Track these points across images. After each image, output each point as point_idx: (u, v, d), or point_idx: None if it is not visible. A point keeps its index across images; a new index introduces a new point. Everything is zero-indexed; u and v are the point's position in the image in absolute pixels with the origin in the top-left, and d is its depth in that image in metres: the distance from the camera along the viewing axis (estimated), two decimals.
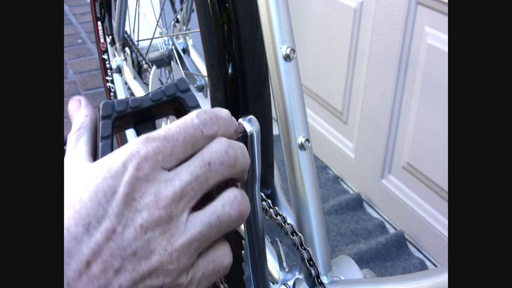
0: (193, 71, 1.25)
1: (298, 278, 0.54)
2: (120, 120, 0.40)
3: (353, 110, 1.60)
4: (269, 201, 0.56)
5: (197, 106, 0.42)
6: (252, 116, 0.42)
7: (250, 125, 0.42)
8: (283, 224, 0.54)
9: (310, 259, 0.52)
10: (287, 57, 0.50)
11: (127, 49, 1.11)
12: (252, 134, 0.42)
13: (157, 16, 1.22)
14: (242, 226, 0.50)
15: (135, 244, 0.31)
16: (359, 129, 1.59)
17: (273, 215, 0.55)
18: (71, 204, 0.31)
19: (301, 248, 0.52)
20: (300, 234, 0.52)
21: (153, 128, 0.42)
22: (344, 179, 1.72)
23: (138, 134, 0.41)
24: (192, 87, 1.26)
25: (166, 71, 1.33)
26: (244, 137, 0.42)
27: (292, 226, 0.53)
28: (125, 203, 0.31)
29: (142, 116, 0.42)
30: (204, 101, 1.30)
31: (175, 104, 0.42)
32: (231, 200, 0.35)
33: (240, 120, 0.42)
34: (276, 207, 0.55)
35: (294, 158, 0.53)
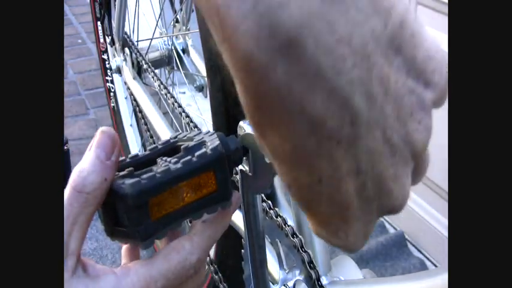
0: (192, 71, 1.25)
1: (298, 280, 0.54)
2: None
3: None
4: (269, 202, 0.56)
5: (191, 134, 0.40)
6: None
7: (251, 127, 0.42)
8: (283, 226, 0.54)
9: (310, 262, 0.52)
10: None
11: (126, 49, 1.11)
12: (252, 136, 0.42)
13: (157, 16, 1.21)
14: (242, 226, 0.50)
15: None
16: None
17: (273, 217, 0.55)
18: None
19: (302, 250, 0.52)
20: (300, 237, 0.52)
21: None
22: None
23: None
24: (191, 87, 1.26)
25: (166, 71, 1.33)
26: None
27: (292, 228, 0.53)
28: None
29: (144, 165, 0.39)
30: (204, 101, 1.30)
31: (175, 149, 0.40)
32: None
33: (241, 123, 0.42)
34: (276, 209, 0.55)
35: None
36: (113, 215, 0.36)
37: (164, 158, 0.37)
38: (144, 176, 0.34)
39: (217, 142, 0.37)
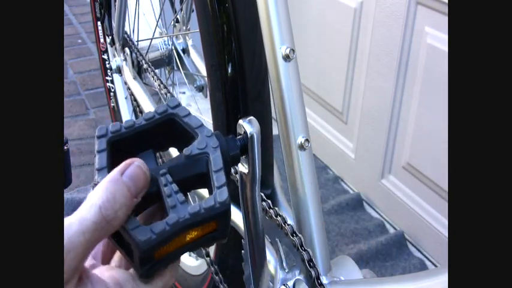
0: (193, 71, 1.25)
1: (298, 279, 0.54)
2: (117, 145, 0.39)
3: (353, 110, 1.60)
4: (269, 201, 0.56)
5: (189, 114, 0.41)
6: (251, 117, 0.42)
7: (250, 126, 0.42)
8: (283, 225, 0.54)
9: (310, 260, 0.52)
10: (286, 58, 0.50)
11: (127, 49, 1.11)
12: (252, 136, 0.42)
13: (157, 16, 1.21)
14: (242, 226, 0.50)
15: None
16: (359, 129, 1.59)
17: (273, 216, 0.55)
18: None
19: (301, 249, 0.52)
20: (300, 235, 0.52)
21: (153, 157, 0.40)
22: (344, 179, 1.72)
23: None
24: (191, 87, 1.26)
25: (166, 71, 1.33)
26: (244, 139, 0.42)
27: (292, 227, 0.53)
28: None
29: (140, 141, 0.40)
30: (204, 101, 1.30)
31: (171, 125, 0.41)
32: None
33: (240, 121, 0.42)
34: (276, 208, 0.55)
35: (293, 158, 0.53)
36: (122, 241, 0.36)
37: (170, 187, 0.37)
38: (155, 229, 0.35)
39: (225, 194, 0.37)
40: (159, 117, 0.40)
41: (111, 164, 0.37)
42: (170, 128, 0.41)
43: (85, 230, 0.33)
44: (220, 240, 0.39)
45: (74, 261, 0.32)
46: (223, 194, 0.37)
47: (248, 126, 0.41)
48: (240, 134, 0.42)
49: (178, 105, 0.41)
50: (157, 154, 0.42)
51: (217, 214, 0.36)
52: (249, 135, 0.41)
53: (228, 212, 0.37)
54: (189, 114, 0.41)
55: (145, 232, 0.34)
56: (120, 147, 0.39)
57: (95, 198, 0.34)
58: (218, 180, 0.37)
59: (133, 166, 0.36)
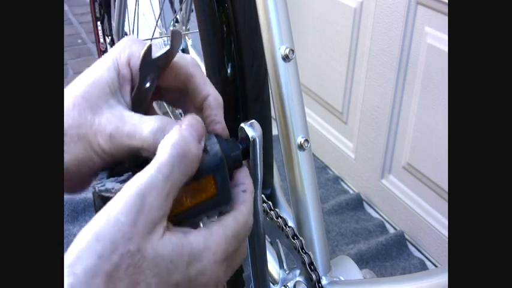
0: None
1: (298, 281, 0.54)
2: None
3: (353, 110, 1.60)
4: (270, 203, 0.56)
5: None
6: (253, 121, 0.41)
7: (252, 130, 0.41)
8: (284, 227, 0.53)
9: (311, 263, 0.52)
10: (286, 58, 0.50)
11: None
12: (254, 140, 0.41)
13: (157, 16, 1.22)
14: None
15: None
16: (359, 129, 1.59)
17: (274, 217, 0.55)
18: None
19: (302, 252, 0.52)
20: (301, 238, 0.52)
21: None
22: (344, 179, 1.72)
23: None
24: None
25: None
26: (246, 143, 0.41)
27: (293, 229, 0.53)
28: None
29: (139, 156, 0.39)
30: None
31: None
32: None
33: (242, 125, 0.41)
34: (277, 209, 0.55)
35: (293, 159, 0.53)
36: None
37: None
38: None
39: (217, 147, 0.37)
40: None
41: (110, 171, 0.37)
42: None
43: (161, 167, 0.32)
44: (223, 207, 0.38)
45: (158, 199, 0.31)
46: (214, 148, 0.37)
47: (250, 130, 0.41)
48: (242, 138, 0.41)
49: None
50: None
51: (210, 167, 0.36)
52: (251, 139, 0.41)
53: (221, 166, 0.37)
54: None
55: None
56: (119, 164, 0.39)
57: (165, 142, 0.33)
58: (211, 147, 0.37)
59: (188, 117, 0.36)
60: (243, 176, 0.39)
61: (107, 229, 0.30)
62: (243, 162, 0.41)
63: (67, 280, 0.29)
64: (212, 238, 0.34)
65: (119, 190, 0.33)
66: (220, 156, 0.36)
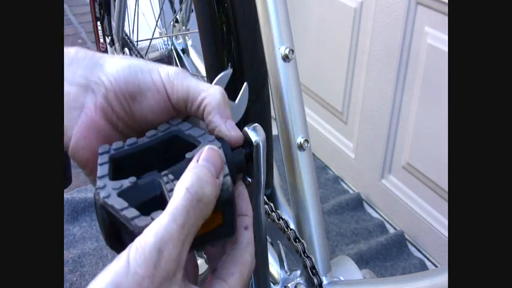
0: (192, 71, 1.25)
1: (299, 283, 0.54)
2: (120, 162, 0.38)
3: (353, 110, 1.60)
4: (271, 204, 0.56)
5: (191, 128, 0.40)
6: (256, 124, 0.41)
7: (255, 134, 0.40)
8: (285, 229, 0.53)
9: (312, 267, 0.52)
10: (286, 58, 0.50)
11: (126, 49, 1.11)
12: (258, 144, 0.40)
13: (157, 16, 1.22)
14: None
15: None
16: (359, 129, 1.59)
17: (275, 219, 0.55)
18: None
19: (304, 255, 0.52)
20: (302, 241, 0.52)
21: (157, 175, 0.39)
22: (344, 179, 1.72)
23: (140, 188, 0.37)
24: None
25: None
26: (249, 147, 0.41)
27: (294, 232, 0.53)
28: None
29: (143, 159, 0.39)
30: None
31: (174, 141, 0.40)
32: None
33: (245, 128, 0.41)
34: (278, 211, 0.55)
35: (293, 159, 0.53)
36: (117, 234, 0.35)
37: (172, 184, 0.36)
38: (155, 216, 0.34)
39: (228, 180, 0.36)
40: (161, 135, 0.40)
41: (113, 177, 0.37)
42: (173, 144, 0.40)
43: (176, 215, 0.32)
44: (228, 235, 0.37)
45: (174, 251, 0.31)
46: (225, 182, 0.36)
47: (253, 134, 0.40)
48: (244, 142, 0.41)
49: (181, 121, 0.41)
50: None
51: (220, 204, 0.35)
52: (254, 143, 0.40)
53: (231, 201, 0.36)
54: (192, 127, 0.40)
55: (144, 224, 0.33)
56: (123, 164, 0.38)
57: (180, 185, 0.33)
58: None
59: (206, 150, 0.36)
60: (244, 205, 0.39)
61: (126, 282, 0.30)
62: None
63: None
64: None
65: (124, 217, 0.33)
66: (230, 192, 0.36)
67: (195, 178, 0.33)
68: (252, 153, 0.41)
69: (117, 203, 0.34)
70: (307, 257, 0.51)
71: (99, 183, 0.36)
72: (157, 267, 0.31)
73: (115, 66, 0.39)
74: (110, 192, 0.35)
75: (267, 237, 0.58)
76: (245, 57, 0.63)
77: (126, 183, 0.35)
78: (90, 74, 0.39)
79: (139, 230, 0.32)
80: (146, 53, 1.19)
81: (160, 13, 1.20)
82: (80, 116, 0.38)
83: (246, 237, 0.38)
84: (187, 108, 0.40)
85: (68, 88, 0.38)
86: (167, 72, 0.40)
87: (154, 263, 0.30)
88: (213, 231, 0.36)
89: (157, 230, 0.31)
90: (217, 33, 0.62)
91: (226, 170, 0.37)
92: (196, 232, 0.33)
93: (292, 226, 0.54)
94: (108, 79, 0.39)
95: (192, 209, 0.32)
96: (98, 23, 1.32)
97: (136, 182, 0.35)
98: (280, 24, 0.50)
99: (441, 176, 1.31)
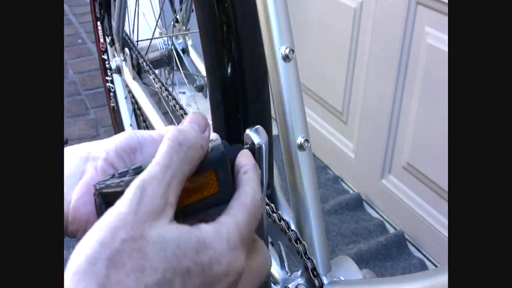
0: (192, 71, 1.25)
1: (300, 284, 0.54)
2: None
3: (353, 110, 1.60)
4: (272, 205, 0.56)
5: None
6: (259, 126, 0.40)
7: (258, 136, 0.40)
8: (286, 230, 0.53)
9: (313, 269, 0.52)
10: (286, 58, 0.50)
11: (126, 49, 1.11)
12: (260, 146, 0.40)
13: (157, 16, 1.22)
14: None
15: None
16: (359, 129, 1.59)
17: (276, 220, 0.55)
18: None
19: (305, 257, 0.52)
20: (304, 242, 0.52)
21: None
22: (344, 179, 1.72)
23: None
24: (191, 87, 1.26)
25: (166, 71, 1.33)
26: (251, 149, 0.41)
27: (295, 233, 0.53)
28: None
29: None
30: (204, 101, 1.29)
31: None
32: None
33: (247, 131, 0.40)
34: (279, 212, 0.55)
35: (293, 159, 0.53)
36: None
37: None
38: None
39: (219, 142, 0.37)
40: None
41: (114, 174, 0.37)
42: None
43: (158, 159, 0.32)
44: (226, 201, 0.37)
45: (158, 190, 0.31)
46: (215, 145, 0.36)
47: (256, 136, 0.40)
48: (247, 144, 0.41)
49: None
50: None
51: (212, 162, 0.35)
52: (256, 145, 0.40)
53: (224, 161, 0.36)
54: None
55: None
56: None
57: (164, 138, 0.34)
58: (213, 146, 0.37)
59: (189, 114, 0.36)
60: (243, 159, 0.38)
61: (109, 219, 0.30)
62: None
63: (70, 270, 0.29)
64: (222, 227, 0.34)
65: (117, 184, 0.33)
66: (221, 151, 0.36)
67: (175, 130, 0.34)
68: (254, 153, 0.41)
69: (112, 181, 0.35)
70: (308, 258, 0.51)
71: (99, 182, 0.36)
72: (141, 203, 0.31)
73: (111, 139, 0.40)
74: (106, 182, 0.35)
75: (268, 237, 0.58)
76: (245, 57, 0.63)
77: (124, 178, 0.36)
78: (90, 150, 0.40)
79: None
80: (146, 53, 1.19)
81: (160, 13, 1.20)
82: (81, 179, 0.38)
83: (246, 177, 0.37)
84: None
85: (68, 160, 0.39)
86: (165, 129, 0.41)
87: (137, 200, 0.31)
88: (209, 198, 0.36)
89: (140, 176, 0.32)
90: (217, 33, 0.62)
91: (218, 141, 0.37)
92: (184, 177, 0.33)
93: (293, 227, 0.54)
94: (108, 144, 0.39)
95: (175, 153, 0.33)
96: (98, 23, 1.32)
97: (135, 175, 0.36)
98: (280, 24, 0.50)
99: (441, 176, 1.31)
